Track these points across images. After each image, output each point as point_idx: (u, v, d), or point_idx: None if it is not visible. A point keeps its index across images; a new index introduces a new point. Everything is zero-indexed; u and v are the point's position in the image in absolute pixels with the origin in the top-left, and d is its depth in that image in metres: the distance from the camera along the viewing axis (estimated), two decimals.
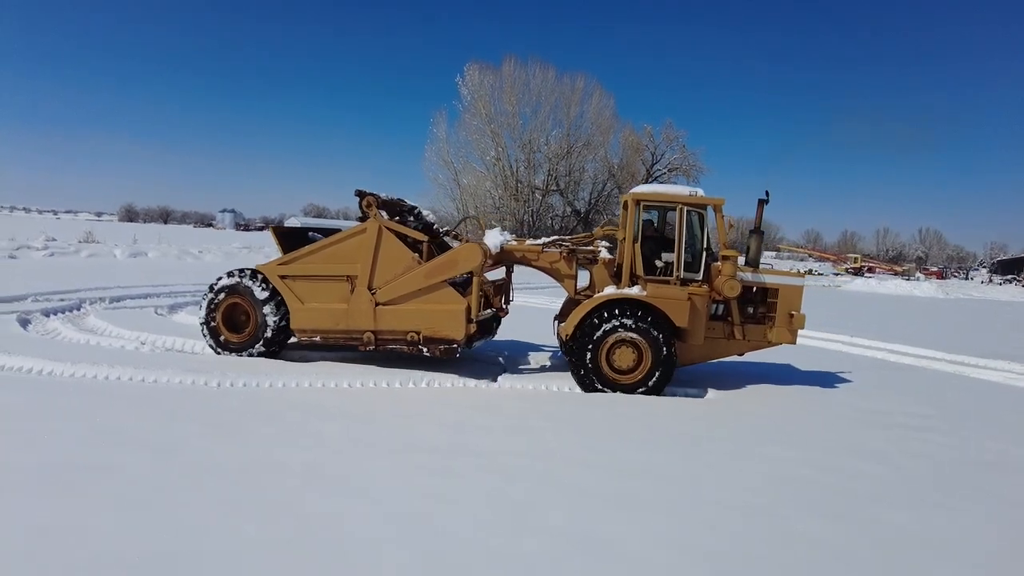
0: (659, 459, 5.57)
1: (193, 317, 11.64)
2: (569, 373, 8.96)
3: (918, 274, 66.29)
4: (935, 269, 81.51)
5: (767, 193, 8.64)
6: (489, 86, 43.87)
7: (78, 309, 11.89)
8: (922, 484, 5.37)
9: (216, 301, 8.70)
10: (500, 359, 9.74)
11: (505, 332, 10.38)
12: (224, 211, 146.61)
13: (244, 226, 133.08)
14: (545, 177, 45.17)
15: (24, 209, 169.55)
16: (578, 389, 8.10)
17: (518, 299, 15.15)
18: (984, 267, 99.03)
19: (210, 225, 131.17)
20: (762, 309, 8.73)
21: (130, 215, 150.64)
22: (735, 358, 9.09)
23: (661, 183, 48.39)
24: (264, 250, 37.51)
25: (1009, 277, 77.71)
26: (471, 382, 8.05)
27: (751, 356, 9.56)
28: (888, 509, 4.74)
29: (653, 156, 49.42)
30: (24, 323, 10.08)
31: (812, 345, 13.53)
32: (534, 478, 4.88)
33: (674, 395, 8.28)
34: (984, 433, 7.20)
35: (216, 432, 5.50)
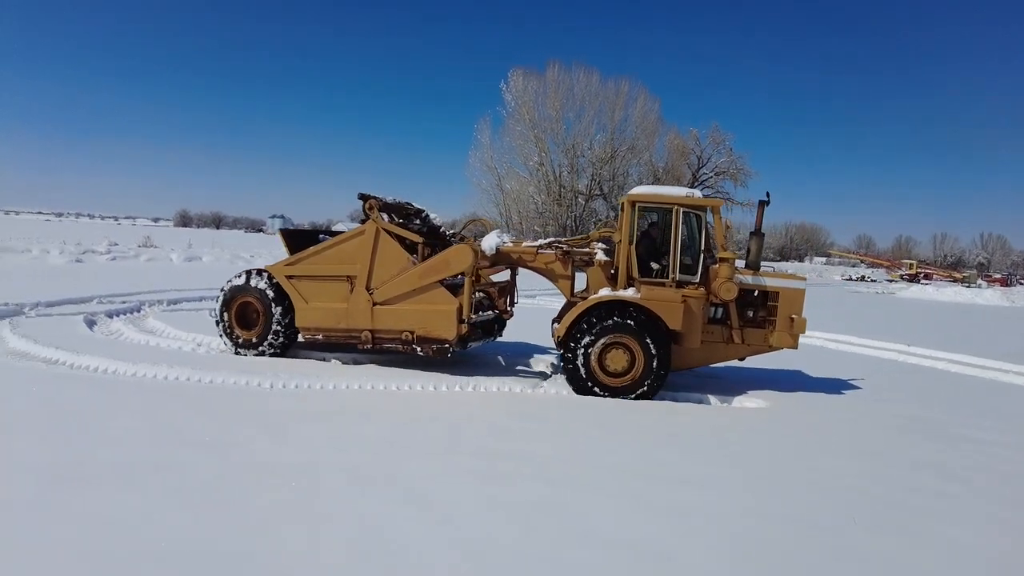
0: (709, 468, 5.46)
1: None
2: None
3: (980, 281, 63.36)
4: (999, 276, 77.79)
5: (767, 194, 8.52)
6: (533, 91, 43.99)
7: (138, 311, 12.40)
8: (983, 498, 5.13)
9: (229, 300, 9.06)
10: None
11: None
12: (274, 216, 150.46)
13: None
14: (588, 182, 44.98)
15: (88, 215, 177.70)
16: (623, 397, 8.01)
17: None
18: None
19: (260, 230, 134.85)
20: (762, 313, 8.49)
21: (184, 220, 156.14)
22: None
23: (708, 187, 47.69)
24: None
25: None
26: (516, 387, 8.06)
27: (795, 362, 9.34)
28: (947, 524, 4.54)
29: (699, 160, 48.69)
30: (90, 324, 10.56)
31: (866, 354, 13.09)
32: (581, 485, 4.85)
33: (726, 402, 8.13)
34: None
35: (270, 432, 5.64)
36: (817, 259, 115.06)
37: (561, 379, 8.51)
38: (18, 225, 62.49)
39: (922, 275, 64.57)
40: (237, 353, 9.02)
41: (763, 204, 8.49)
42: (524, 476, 4.95)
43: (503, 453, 5.47)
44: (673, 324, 7.87)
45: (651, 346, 7.81)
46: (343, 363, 8.85)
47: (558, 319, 9.00)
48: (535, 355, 10.21)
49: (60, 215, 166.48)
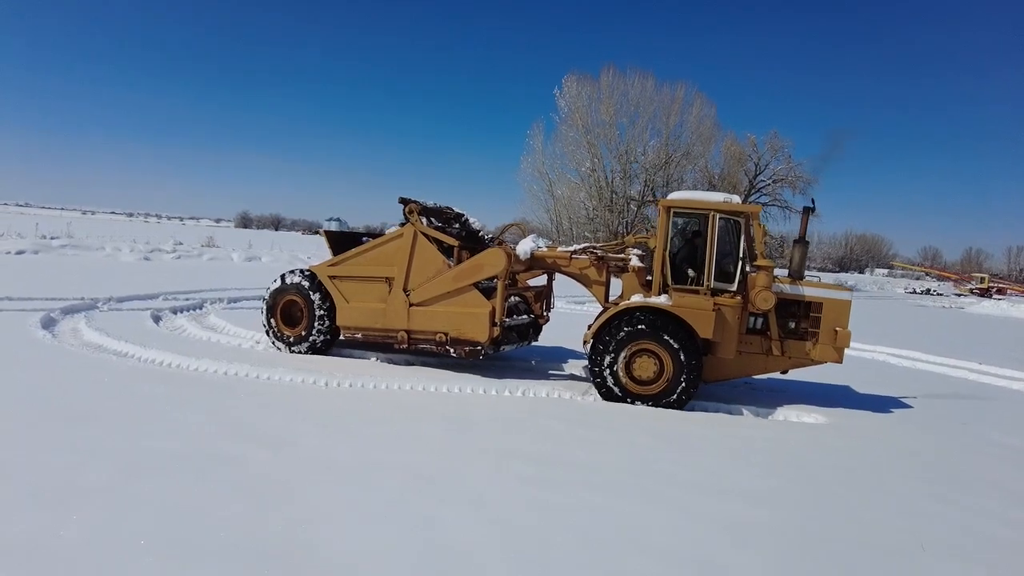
0: (769, 482, 5.28)
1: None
2: None
3: None
4: None
5: (813, 202, 8.22)
6: (587, 97, 43.77)
7: (200, 308, 12.88)
8: None
9: (275, 298, 9.34)
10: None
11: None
12: (330, 219, 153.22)
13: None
14: (641, 188, 44.44)
15: (156, 216, 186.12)
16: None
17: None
18: None
19: (317, 232, 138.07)
20: (805, 324, 8.09)
21: (245, 222, 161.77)
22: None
23: (765, 194, 46.49)
24: None
25: None
26: (566, 393, 8.00)
27: (855, 376, 8.94)
28: (1015, 553, 4.26)
29: (756, 167, 47.50)
30: (156, 319, 11.02)
31: (930, 371, 12.47)
32: (636, 495, 4.75)
33: (787, 417, 7.86)
34: None
35: (327, 430, 5.75)
36: (879, 270, 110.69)
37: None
38: (94, 225, 65.92)
39: (995, 289, 61.25)
40: (276, 347, 9.34)
41: (807, 211, 8.24)
42: (579, 483, 4.89)
43: (556, 459, 5.42)
44: (704, 332, 7.62)
45: (680, 354, 7.60)
46: (394, 364, 8.97)
47: (592, 325, 8.94)
48: (570, 360, 10.14)
49: (131, 215, 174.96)
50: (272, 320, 9.38)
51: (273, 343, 9.40)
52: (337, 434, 5.66)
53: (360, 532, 3.82)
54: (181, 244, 33.65)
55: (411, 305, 8.62)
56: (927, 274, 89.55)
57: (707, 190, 45.99)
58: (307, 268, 9.43)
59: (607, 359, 7.80)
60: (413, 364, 9.02)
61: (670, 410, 7.62)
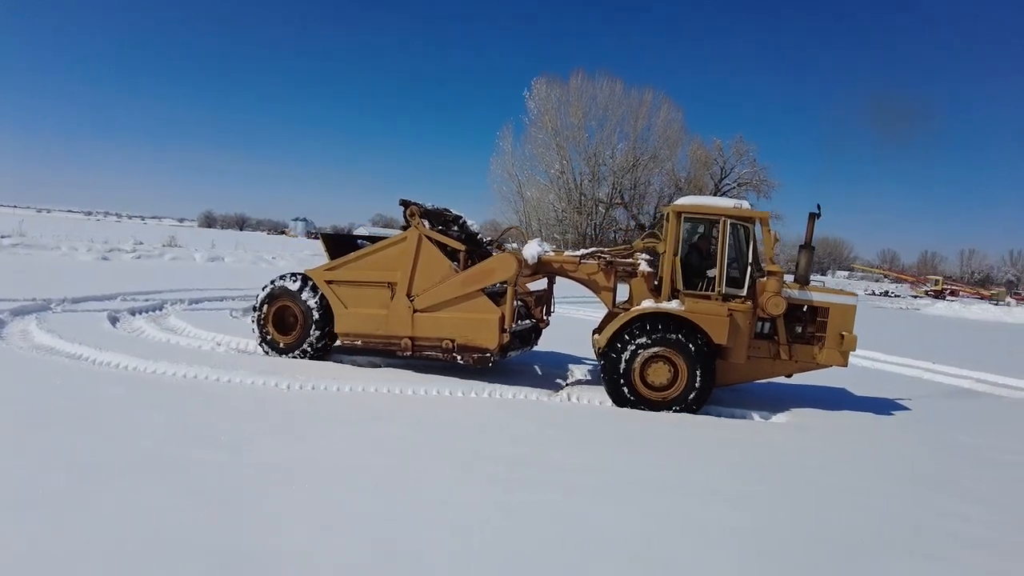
0: (733, 482, 5.36)
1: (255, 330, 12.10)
2: None
3: (1009, 299, 62.00)
4: None
5: (819, 207, 8.30)
6: (556, 100, 44.13)
7: (160, 309, 12.56)
8: (1010, 526, 4.94)
9: (267, 303, 9.07)
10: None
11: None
12: (297, 219, 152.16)
13: (315, 234, 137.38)
14: (610, 190, 44.91)
15: (116, 215, 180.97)
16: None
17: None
18: None
19: (283, 232, 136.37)
20: (811, 328, 8.25)
21: (209, 221, 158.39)
22: (792, 380, 8.68)
23: (730, 198, 47.25)
24: None
25: None
26: (533, 394, 8.00)
27: (817, 378, 9.14)
28: (988, 556, 4.35)
29: (722, 170, 48.43)
30: (113, 321, 10.71)
31: (889, 371, 12.83)
32: (600, 496, 4.77)
33: (731, 415, 8.00)
34: None
35: (287, 433, 5.65)
36: (840, 273, 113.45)
37: (578, 388, 8.45)
38: (49, 223, 63.91)
39: (948, 291, 63.34)
40: (267, 354, 9.07)
41: (813, 217, 8.30)
42: (544, 484, 4.89)
43: (521, 461, 5.42)
44: (718, 338, 7.68)
45: (695, 360, 7.64)
46: (361, 367, 8.86)
47: (599, 330, 8.91)
48: (568, 364, 10.17)
49: (89, 214, 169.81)
50: (264, 327, 9.08)
51: (265, 351, 9.11)
52: (298, 437, 5.57)
53: (319, 537, 3.77)
54: (141, 244, 32.79)
55: (415, 311, 8.36)
56: (885, 276, 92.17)
57: (673, 193, 46.73)
58: (301, 272, 9.14)
59: (621, 365, 7.76)
60: (379, 366, 8.92)
61: (638, 411, 7.68)
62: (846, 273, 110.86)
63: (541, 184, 45.38)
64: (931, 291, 63.26)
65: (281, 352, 8.99)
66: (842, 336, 8.01)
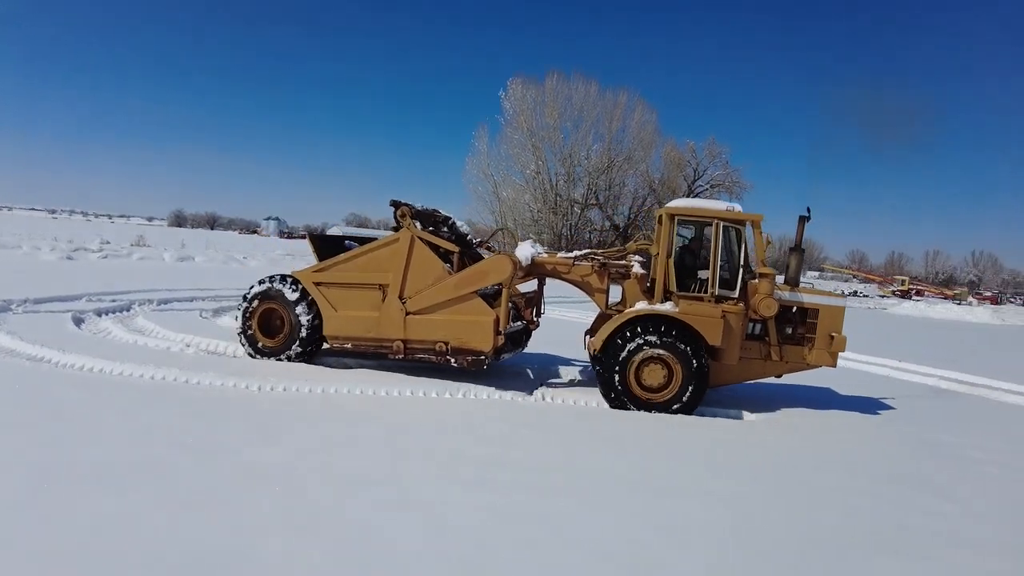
0: (701, 479, 5.42)
1: (237, 322, 11.88)
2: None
3: (971, 299, 63.76)
4: (989, 294, 78.26)
5: (808, 210, 8.40)
6: (532, 100, 44.23)
7: (128, 310, 12.28)
8: (991, 523, 5.08)
9: (252, 306, 8.86)
10: (529, 372, 9.67)
11: (536, 345, 10.31)
12: (269, 218, 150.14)
13: (287, 234, 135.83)
14: (585, 191, 45.13)
15: (82, 213, 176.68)
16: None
17: (549, 312, 15.04)
18: None
19: (255, 232, 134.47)
20: (801, 330, 8.38)
21: (179, 220, 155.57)
22: (773, 379, 8.81)
23: (703, 199, 47.80)
24: (306, 257, 38.23)
25: None
26: (507, 395, 8.00)
27: (793, 377, 9.28)
28: (965, 552, 4.47)
29: (695, 172, 48.94)
30: (78, 322, 10.44)
31: (857, 368, 13.08)
32: (576, 495, 4.79)
33: (713, 415, 8.08)
34: None
35: (257, 436, 5.57)
36: (811, 273, 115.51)
37: (553, 388, 8.47)
38: (11, 221, 62.15)
39: (914, 291, 64.90)
40: (253, 357, 8.88)
41: (803, 220, 8.42)
42: (518, 484, 4.89)
43: (496, 461, 5.41)
44: (712, 340, 7.77)
45: (690, 361, 7.70)
46: (333, 368, 8.76)
47: (592, 332, 8.96)
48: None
49: (54, 212, 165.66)
50: (249, 330, 8.87)
51: (250, 354, 8.90)
52: (268, 440, 5.49)
53: (291, 541, 3.71)
54: (108, 243, 32.08)
55: (408, 313, 8.25)
56: (854, 276, 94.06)
57: (647, 194, 47.15)
58: (289, 274, 8.95)
59: (617, 367, 7.79)
60: (350, 367, 8.84)
61: (614, 411, 7.73)
62: (816, 273, 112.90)
63: (517, 184, 45.45)
64: (898, 291, 64.75)
65: (269, 356, 8.79)
66: (831, 337, 8.16)
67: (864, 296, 61.29)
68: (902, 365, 13.66)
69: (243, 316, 8.89)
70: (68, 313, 10.82)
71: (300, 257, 37.01)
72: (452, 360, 8.20)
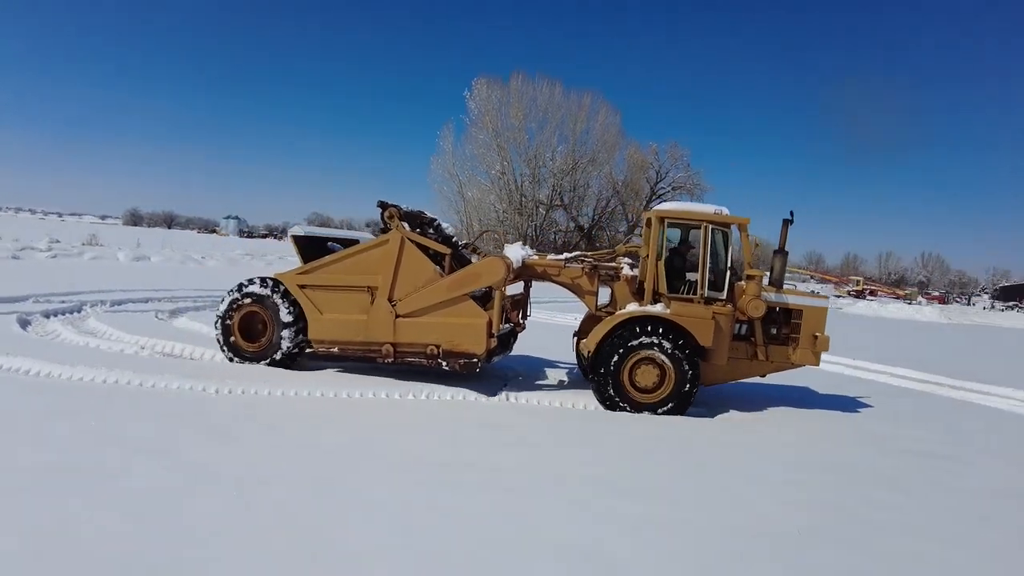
0: (666, 478, 5.49)
1: (195, 323, 11.60)
2: (574, 389, 8.91)
3: (920, 298, 66.15)
4: (937, 294, 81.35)
5: (791, 213, 8.63)
6: (496, 101, 44.18)
7: (79, 311, 11.85)
8: (938, 513, 5.27)
9: (232, 309, 8.60)
10: (519, 375, 9.63)
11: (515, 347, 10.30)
12: (228, 217, 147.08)
13: (248, 233, 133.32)
14: (550, 192, 45.31)
15: (30, 211, 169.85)
16: (582, 404, 8.04)
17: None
18: (986, 293, 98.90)
19: (214, 231, 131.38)
20: (786, 330, 8.59)
21: (135, 219, 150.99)
22: (756, 379, 8.98)
23: (664, 201, 48.54)
24: (266, 257, 37.55)
25: (1012, 304, 77.57)
26: (471, 396, 7.97)
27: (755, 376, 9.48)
28: (904, 538, 4.64)
29: (658, 174, 49.52)
30: (24, 324, 10.03)
31: (823, 368, 13.41)
32: (536, 494, 4.80)
33: (687, 416, 8.19)
34: (997, 462, 7.13)
35: (215, 439, 5.43)
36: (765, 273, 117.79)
37: (516, 389, 8.48)
38: None
39: (868, 292, 66.99)
40: (231, 361, 8.62)
41: (787, 223, 8.61)
42: (480, 485, 4.88)
43: (457, 462, 5.40)
44: (704, 341, 7.88)
45: (682, 362, 7.80)
46: (294, 370, 8.60)
47: (580, 334, 9.04)
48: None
49: None
50: (228, 334, 8.59)
51: (230, 359, 8.62)
52: (225, 444, 5.36)
53: (247, 546, 3.63)
54: (58, 242, 30.91)
55: (398, 316, 8.09)
56: (811, 277, 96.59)
57: (611, 195, 47.62)
58: (271, 276, 8.70)
59: (611, 368, 7.83)
60: (312, 369, 8.69)
61: (578, 411, 7.79)
62: None
63: (482, 185, 45.36)
64: (853, 291, 66.75)
65: (250, 361, 8.54)
66: (815, 337, 8.39)
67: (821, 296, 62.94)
68: (856, 363, 14.07)
69: (222, 320, 8.63)
70: (13, 315, 10.38)
71: (260, 257, 36.32)
72: (444, 363, 8.09)
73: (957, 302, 72.92)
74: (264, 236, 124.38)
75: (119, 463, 4.66)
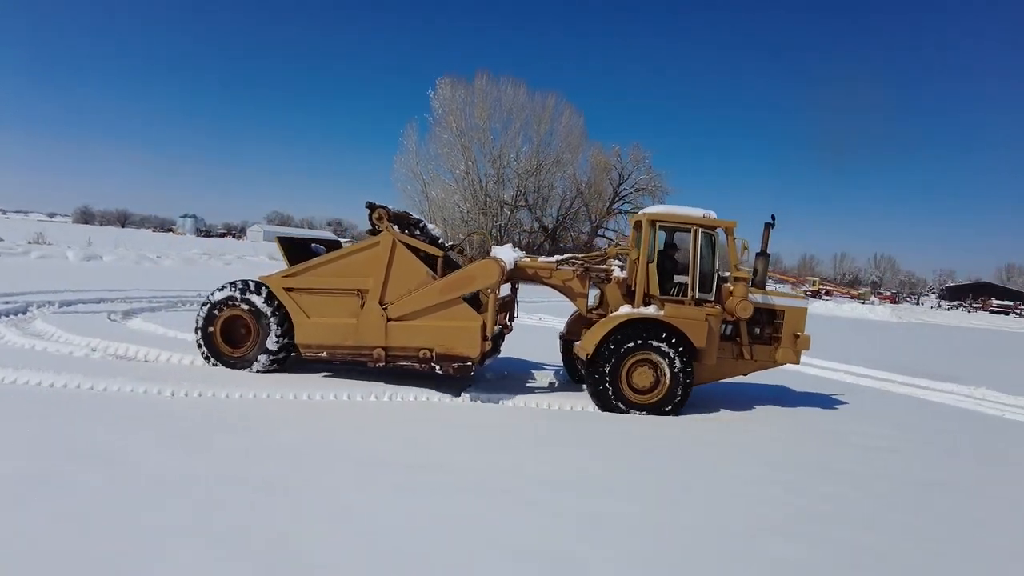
0: (630, 477, 5.55)
1: (150, 324, 11.27)
2: (541, 388, 8.96)
3: (873, 298, 68.39)
4: (888, 294, 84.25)
5: (773, 217, 8.88)
6: (461, 100, 44.07)
7: (24, 312, 11.40)
8: (883, 504, 5.46)
9: (214, 313, 8.37)
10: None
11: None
12: (185, 216, 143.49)
13: (205, 232, 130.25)
14: (514, 192, 45.40)
15: None
16: (546, 403, 8.07)
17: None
18: (933, 293, 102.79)
19: (170, 230, 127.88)
20: (768, 330, 8.83)
21: (86, 217, 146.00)
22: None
23: (627, 202, 49.13)
24: (224, 257, 36.70)
25: (956, 303, 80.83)
26: (434, 396, 7.93)
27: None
28: (852, 529, 4.79)
29: (620, 176, 50.10)
30: None
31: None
32: (497, 495, 4.80)
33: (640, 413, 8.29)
34: (938, 454, 7.41)
35: (171, 444, 5.28)
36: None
37: (478, 391, 8.47)
38: None
39: (824, 291, 68.94)
40: (213, 366, 8.39)
41: (768, 227, 8.86)
42: (440, 486, 4.86)
43: (417, 464, 5.36)
44: (698, 342, 8.01)
45: (677, 363, 7.93)
46: (252, 372, 8.43)
47: (569, 335, 9.16)
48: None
49: None
50: (209, 339, 8.33)
51: (212, 366, 8.36)
52: (180, 448, 5.22)
53: (204, 554, 3.54)
54: (1, 240, 29.69)
55: (389, 320, 7.94)
56: (770, 277, 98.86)
57: (575, 196, 47.96)
58: (254, 280, 8.46)
59: (608, 371, 7.90)
60: (272, 371, 8.52)
61: (542, 410, 7.82)
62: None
63: (447, 184, 45.20)
64: (809, 291, 68.57)
65: (232, 367, 8.33)
66: (796, 336, 8.64)
67: None
68: (813, 361, 14.46)
69: (203, 324, 8.37)
70: None
71: (218, 257, 35.48)
72: (437, 367, 8.00)
73: (907, 301, 75.66)
74: (223, 235, 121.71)
75: (69, 472, 4.49)
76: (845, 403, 10.11)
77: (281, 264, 8.75)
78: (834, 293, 70.48)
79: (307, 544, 3.76)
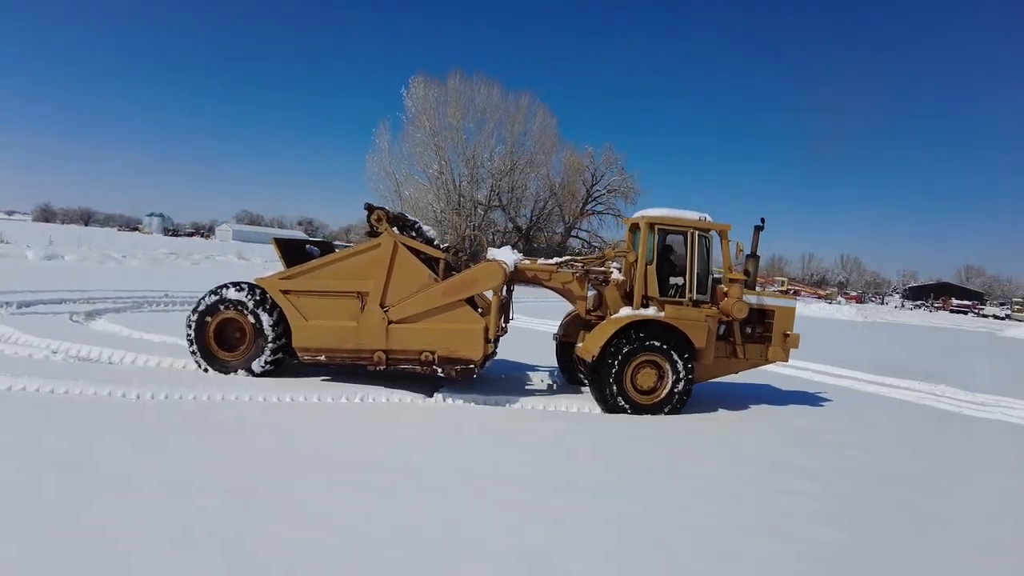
0: (596, 475, 5.59)
1: (115, 325, 11.02)
2: (512, 388, 8.96)
3: (840, 298, 69.92)
4: (854, 294, 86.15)
5: (762, 220, 9.09)
6: (434, 99, 43.81)
7: None
8: (847, 500, 5.59)
9: (206, 318, 8.20)
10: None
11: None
12: (152, 215, 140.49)
13: (173, 231, 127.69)
14: (488, 192, 45.33)
15: None
16: (518, 404, 8.09)
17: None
18: (897, 293, 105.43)
19: (136, 229, 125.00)
20: (760, 329, 9.05)
21: (46, 215, 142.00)
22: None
23: (600, 203, 49.46)
24: (192, 256, 36.00)
25: (919, 303, 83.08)
26: (407, 397, 7.90)
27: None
28: (814, 525, 4.90)
29: (593, 177, 50.37)
30: None
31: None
32: (468, 495, 4.80)
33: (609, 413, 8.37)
34: (900, 450, 7.60)
35: (135, 448, 5.18)
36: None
37: (450, 391, 8.46)
38: None
39: (792, 292, 70.22)
40: (206, 371, 8.22)
41: (758, 229, 9.07)
42: (411, 487, 4.85)
43: (389, 465, 5.34)
44: (698, 342, 8.16)
45: (678, 363, 8.08)
46: (212, 372, 8.29)
47: (566, 336, 9.28)
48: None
49: None
50: (202, 343, 8.15)
51: (205, 370, 8.18)
52: (145, 451, 5.12)
53: (169, 558, 3.48)
54: None
55: (390, 322, 7.86)
56: None
57: (548, 197, 48.12)
58: (248, 282, 8.29)
59: (614, 372, 7.98)
60: (265, 374, 8.40)
61: (514, 410, 7.84)
62: None
63: (420, 184, 44.91)
64: (778, 291, 69.77)
65: (226, 371, 8.17)
66: (785, 335, 8.87)
67: None
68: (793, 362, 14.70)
69: (196, 328, 8.19)
70: None
71: (185, 256, 34.78)
72: (439, 370, 7.96)
73: (872, 301, 77.52)
74: (191, 234, 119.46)
75: (28, 477, 4.38)
76: (812, 401, 10.32)
77: (257, 264, 8.64)
78: (802, 293, 71.85)
79: (269, 545, 3.72)
